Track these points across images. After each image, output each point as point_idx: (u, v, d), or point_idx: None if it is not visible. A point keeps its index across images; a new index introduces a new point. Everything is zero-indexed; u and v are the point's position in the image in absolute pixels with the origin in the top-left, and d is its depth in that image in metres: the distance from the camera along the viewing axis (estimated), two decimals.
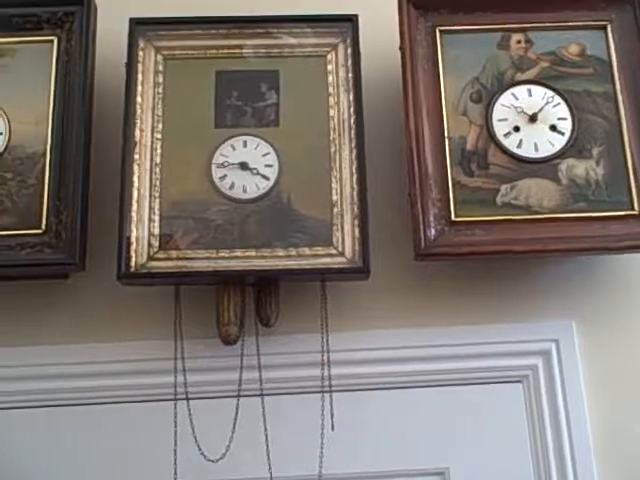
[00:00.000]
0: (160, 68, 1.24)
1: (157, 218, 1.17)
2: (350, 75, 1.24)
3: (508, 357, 1.23)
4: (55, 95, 1.22)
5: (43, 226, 1.16)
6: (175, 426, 1.14)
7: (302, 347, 1.20)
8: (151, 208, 1.18)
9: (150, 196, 1.18)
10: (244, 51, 1.26)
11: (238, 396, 1.17)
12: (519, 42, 1.28)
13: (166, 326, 1.19)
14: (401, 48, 1.25)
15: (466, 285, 1.26)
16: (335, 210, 1.18)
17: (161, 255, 1.16)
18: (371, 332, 1.22)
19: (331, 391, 1.16)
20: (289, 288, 1.22)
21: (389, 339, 1.22)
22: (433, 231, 1.18)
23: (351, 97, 1.23)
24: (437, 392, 1.22)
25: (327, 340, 1.18)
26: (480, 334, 1.23)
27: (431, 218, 1.19)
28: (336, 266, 1.16)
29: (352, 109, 1.22)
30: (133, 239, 1.16)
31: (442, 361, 1.22)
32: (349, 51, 1.25)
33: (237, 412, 1.16)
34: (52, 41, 1.24)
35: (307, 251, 1.16)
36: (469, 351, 1.23)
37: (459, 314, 1.24)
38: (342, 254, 1.16)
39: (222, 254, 1.16)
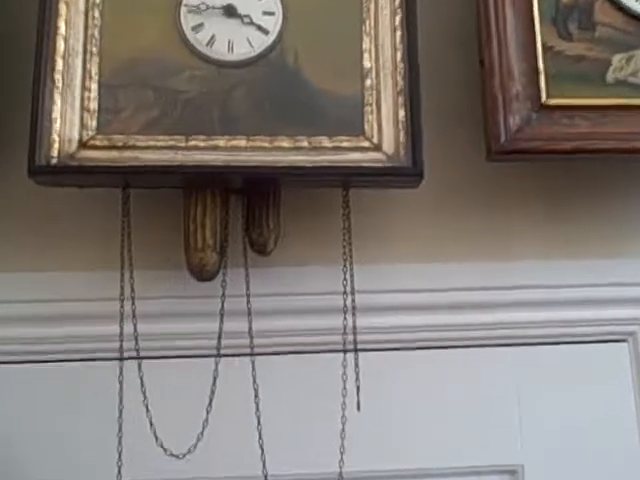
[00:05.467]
0: None
1: (95, 86, 0.78)
2: None
3: (608, 306, 0.87)
4: None
5: None
6: (120, 402, 0.75)
7: (313, 286, 0.84)
8: (86, 70, 0.78)
9: (85, 52, 0.79)
10: None
11: (217, 355, 0.79)
12: None
13: (108, 250, 0.80)
14: None
15: (550, 202, 0.88)
16: (368, 82, 0.80)
17: (99, 141, 0.76)
18: (415, 267, 0.85)
19: (356, 350, 0.78)
20: (296, 199, 0.83)
21: (439, 277, 0.85)
22: (516, 118, 0.81)
23: None
24: (508, 354, 0.86)
25: (352, 277, 0.79)
26: (567, 273, 0.87)
27: (512, 99, 0.81)
28: (370, 165, 0.77)
29: None
30: (56, 116, 0.76)
31: (515, 309, 0.86)
32: None
33: (215, 381, 0.78)
34: None
35: (325, 142, 0.77)
36: (551, 296, 0.86)
37: (538, 243, 0.88)
38: (378, 148, 0.77)
39: (195, 142, 0.77)
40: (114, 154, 0.76)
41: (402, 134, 0.78)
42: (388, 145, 0.78)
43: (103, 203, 0.82)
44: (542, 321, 0.85)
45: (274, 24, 0.81)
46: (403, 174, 0.77)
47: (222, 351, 0.79)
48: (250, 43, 0.80)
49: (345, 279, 0.79)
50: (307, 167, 0.76)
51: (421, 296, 0.83)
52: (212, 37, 0.80)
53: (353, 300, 0.79)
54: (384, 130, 0.78)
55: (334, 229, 0.80)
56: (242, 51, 0.80)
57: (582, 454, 0.84)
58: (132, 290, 0.78)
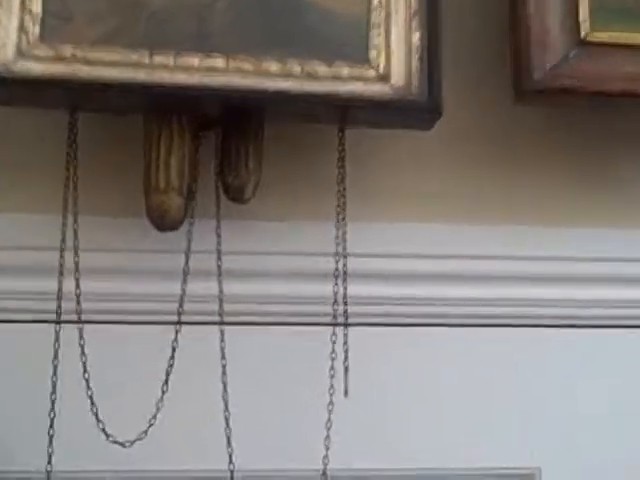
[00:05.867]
0: None
1: None
2: None
3: (634, 285, 0.73)
4: None
5: None
6: (54, 374, 0.60)
7: (298, 245, 0.69)
8: None
9: None
10: None
11: (178, 323, 0.64)
12: None
13: (51, 189, 0.64)
14: None
15: (581, 160, 0.74)
16: (375, 1, 0.64)
17: (43, 51, 0.61)
18: (419, 228, 0.71)
19: (347, 324, 0.64)
20: (281, 136, 0.68)
21: (447, 241, 0.71)
22: (552, 54, 0.67)
23: None
24: (521, 336, 0.71)
25: (344, 236, 0.65)
26: (590, 243, 0.73)
27: (548, 32, 0.68)
28: (374, 98, 0.62)
29: None
30: None
31: (531, 284, 0.72)
32: None
33: (173, 353, 0.64)
34: None
35: (321, 69, 0.63)
36: (575, 271, 0.72)
37: (563, 207, 0.74)
38: (385, 78, 0.64)
39: (161, 59, 0.62)
40: (60, 67, 0.61)
41: (415, 61, 0.63)
42: (398, 75, 0.63)
43: (45, 132, 0.67)
44: (558, 299, 0.71)
45: None
46: (416, 109, 0.63)
47: (184, 317, 0.64)
48: None
49: (337, 238, 0.65)
50: (296, 95, 0.62)
51: (426, 263, 0.69)
52: None
53: (345, 264, 0.65)
54: (393, 57, 0.64)
55: (326, 178, 0.66)
56: None
57: (606, 455, 0.71)
58: (75, 238, 0.63)
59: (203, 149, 0.65)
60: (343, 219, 0.66)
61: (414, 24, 0.64)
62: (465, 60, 0.72)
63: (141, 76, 0.61)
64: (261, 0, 0.64)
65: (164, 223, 0.63)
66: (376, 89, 0.63)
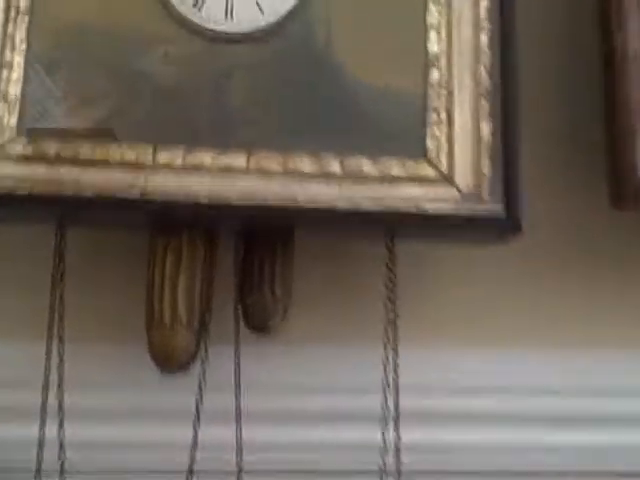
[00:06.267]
0: None
1: (19, 60, 0.51)
2: None
3: None
4: None
5: None
6: None
7: (337, 379, 0.57)
8: (6, 35, 0.51)
9: (7, 9, 0.52)
10: None
11: (189, 476, 0.52)
12: None
13: (30, 314, 0.53)
14: None
15: None
16: (434, 76, 0.53)
17: (22, 148, 0.50)
18: (493, 357, 0.57)
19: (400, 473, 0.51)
20: (314, 251, 0.56)
21: (529, 373, 0.57)
22: None
23: None
24: None
25: (396, 368, 0.52)
26: None
27: None
28: (433, 208, 0.49)
29: None
30: None
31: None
32: None
33: None
34: None
35: (367, 167, 0.51)
36: None
37: None
38: (449, 180, 0.51)
39: (166, 157, 0.50)
40: (39, 171, 0.49)
41: (486, 160, 0.50)
42: (463, 176, 0.50)
43: (29, 250, 0.55)
44: None
45: None
46: (488, 225, 0.50)
47: (196, 472, 0.52)
48: (259, 7, 0.53)
49: (386, 371, 0.53)
50: (337, 206, 0.49)
51: (502, 401, 0.56)
52: None
53: (397, 401, 0.52)
54: (456, 154, 0.51)
55: (372, 295, 0.53)
56: (246, 18, 0.53)
57: None
58: (61, 380, 0.51)
59: (220, 267, 0.52)
60: (394, 348, 0.53)
61: (483, 109, 0.51)
62: (552, 146, 0.58)
63: (140, 184, 0.48)
64: (290, 74, 0.52)
65: (169, 364, 0.51)
66: (436, 194, 0.50)
